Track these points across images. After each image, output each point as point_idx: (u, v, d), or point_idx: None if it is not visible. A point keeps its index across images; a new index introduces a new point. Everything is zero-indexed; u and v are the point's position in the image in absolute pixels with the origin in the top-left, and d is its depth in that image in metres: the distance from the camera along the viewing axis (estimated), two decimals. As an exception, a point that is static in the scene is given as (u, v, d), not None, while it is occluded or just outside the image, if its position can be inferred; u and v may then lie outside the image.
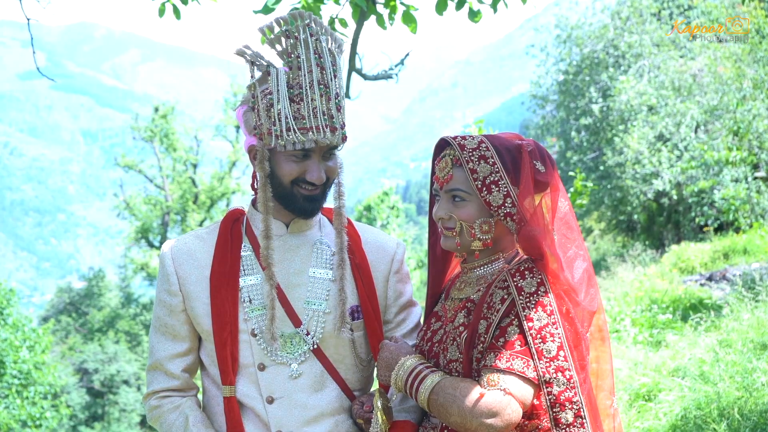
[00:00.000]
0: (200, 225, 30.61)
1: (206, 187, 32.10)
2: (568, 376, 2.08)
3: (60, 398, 24.33)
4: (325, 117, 2.20)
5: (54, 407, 22.44)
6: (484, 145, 2.24)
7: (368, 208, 26.77)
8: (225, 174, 32.04)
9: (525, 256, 2.26)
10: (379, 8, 4.51)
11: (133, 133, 33.37)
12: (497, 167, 2.20)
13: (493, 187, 2.20)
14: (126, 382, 30.45)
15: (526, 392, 2.09)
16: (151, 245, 32.52)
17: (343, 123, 2.26)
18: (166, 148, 32.80)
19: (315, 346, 2.36)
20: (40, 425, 20.46)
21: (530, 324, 2.10)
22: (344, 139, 2.28)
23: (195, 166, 33.39)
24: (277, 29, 2.21)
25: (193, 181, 32.65)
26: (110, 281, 39.97)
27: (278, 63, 2.23)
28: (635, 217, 19.09)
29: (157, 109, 33.10)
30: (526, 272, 2.17)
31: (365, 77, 5.39)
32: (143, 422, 30.10)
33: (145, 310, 36.38)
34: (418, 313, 2.58)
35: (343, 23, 4.56)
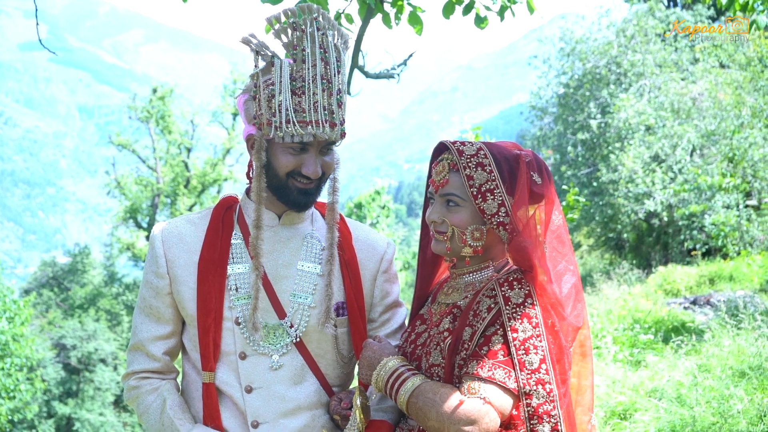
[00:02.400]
0: (190, 209, 30.53)
1: (198, 172, 31.99)
2: (548, 390, 2.08)
3: (36, 372, 24.25)
4: (326, 112, 2.20)
5: (29, 380, 22.36)
6: (482, 152, 2.23)
7: (359, 206, 26.71)
8: (218, 160, 31.91)
9: (514, 267, 2.26)
10: (386, 7, 4.50)
11: (130, 112, 33.21)
12: (494, 175, 2.20)
13: (488, 194, 2.20)
14: (103, 360, 30.28)
15: (506, 402, 2.09)
16: (138, 226, 32.39)
17: (343, 119, 2.26)
18: (161, 130, 32.69)
19: (297, 339, 2.36)
20: (14, 397, 20.38)
21: (515, 335, 2.10)
22: (343, 135, 2.28)
23: (189, 150, 33.25)
24: (284, 20, 2.20)
25: (186, 165, 32.54)
26: (95, 259, 39.72)
27: (282, 54, 2.22)
28: (624, 235, 19.13)
29: (155, 91, 32.97)
30: (515, 283, 2.17)
31: (367, 75, 5.37)
32: (117, 402, 29.99)
33: (127, 290, 36.21)
34: (403, 314, 2.57)
35: (349, 19, 4.55)
